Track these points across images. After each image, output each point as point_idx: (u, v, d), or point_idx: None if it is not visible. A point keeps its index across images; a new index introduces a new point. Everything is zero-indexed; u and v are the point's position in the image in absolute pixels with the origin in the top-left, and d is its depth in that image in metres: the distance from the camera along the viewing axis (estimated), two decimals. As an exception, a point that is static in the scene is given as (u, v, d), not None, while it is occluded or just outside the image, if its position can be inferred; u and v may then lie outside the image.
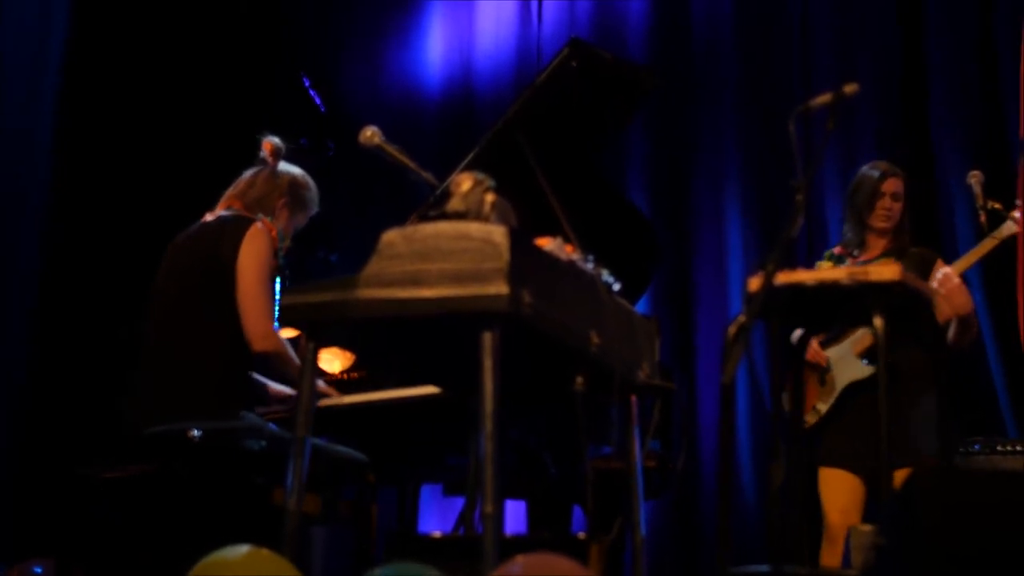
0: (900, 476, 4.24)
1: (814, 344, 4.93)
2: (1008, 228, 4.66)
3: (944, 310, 4.63)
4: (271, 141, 4.36)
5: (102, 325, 6.48)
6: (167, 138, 7.03)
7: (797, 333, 4.63)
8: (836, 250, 5.06)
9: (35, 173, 6.62)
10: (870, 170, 5.01)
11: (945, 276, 4.62)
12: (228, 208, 4.24)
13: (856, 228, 5.00)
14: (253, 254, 4.05)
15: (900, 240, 4.97)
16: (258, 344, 4.01)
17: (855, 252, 4.98)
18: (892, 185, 4.95)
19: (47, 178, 6.66)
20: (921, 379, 4.74)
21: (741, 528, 6.48)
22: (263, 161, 4.34)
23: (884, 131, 6.66)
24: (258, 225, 4.10)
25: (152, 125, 7.02)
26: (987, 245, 4.74)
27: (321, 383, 4.36)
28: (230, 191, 4.31)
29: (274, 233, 4.16)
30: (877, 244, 4.98)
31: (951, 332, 4.76)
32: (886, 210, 4.93)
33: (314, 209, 4.41)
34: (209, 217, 4.25)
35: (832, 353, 4.91)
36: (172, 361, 4.02)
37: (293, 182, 4.32)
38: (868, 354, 4.79)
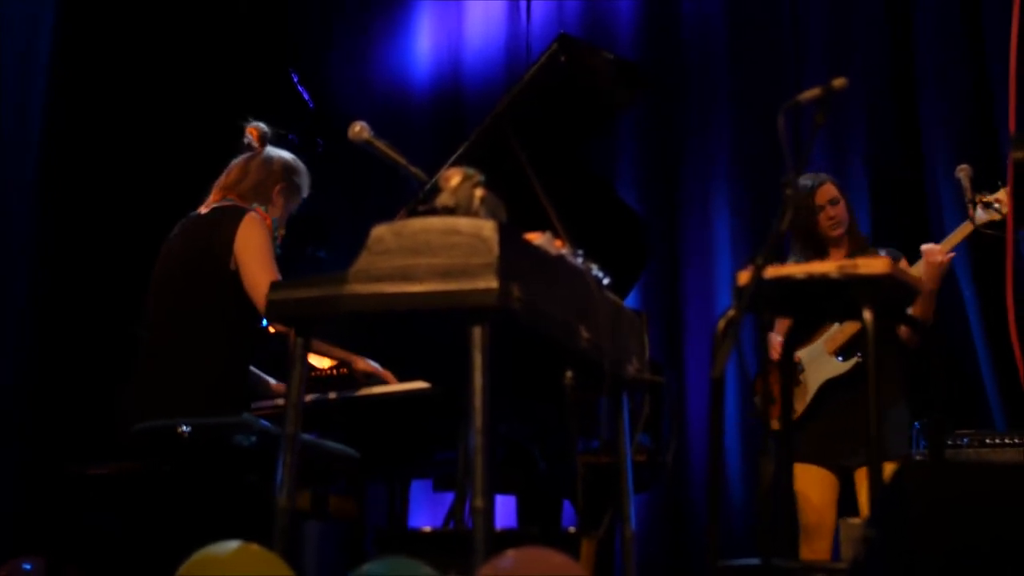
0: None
1: (776, 341, 4.93)
2: (986, 215, 4.65)
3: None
4: (256, 127, 4.35)
5: (94, 323, 6.47)
6: (157, 133, 7.02)
7: (777, 339, 4.64)
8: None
9: (26, 168, 6.60)
10: (802, 180, 4.95)
11: (930, 251, 4.64)
12: (223, 199, 4.23)
13: (812, 244, 4.95)
14: (252, 240, 4.03)
15: (858, 239, 4.97)
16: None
17: (823, 259, 4.96)
18: (826, 194, 4.92)
19: (38, 174, 6.64)
20: (896, 378, 4.76)
21: (730, 522, 6.50)
22: (249, 147, 4.33)
23: (874, 125, 6.68)
24: (252, 215, 4.10)
25: (142, 120, 7.01)
26: (964, 230, 4.71)
27: (375, 365, 4.31)
28: (221, 180, 4.29)
29: (268, 221, 4.16)
30: (839, 251, 4.94)
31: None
32: (830, 219, 4.91)
33: (307, 192, 4.41)
34: (203, 210, 4.23)
35: (804, 354, 4.92)
36: (166, 357, 4.01)
37: (287, 166, 4.32)
38: (843, 351, 4.81)
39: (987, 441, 5.20)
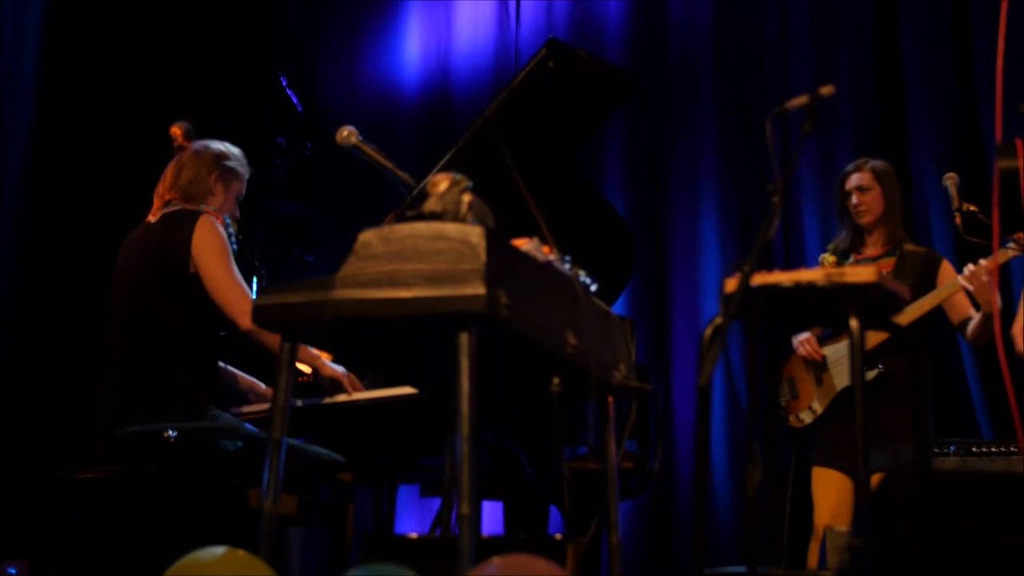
0: None
1: (812, 340, 4.93)
2: (1006, 253, 4.62)
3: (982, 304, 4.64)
4: (178, 125, 4.40)
5: (77, 324, 6.45)
6: (144, 135, 6.99)
7: (804, 335, 4.69)
8: (841, 244, 5.06)
9: (9, 170, 6.58)
10: (842, 173, 5.05)
11: (974, 272, 4.62)
12: (167, 204, 4.24)
13: (849, 228, 5.01)
14: (209, 243, 4.06)
15: (894, 230, 4.98)
16: (244, 322, 3.99)
17: (859, 248, 4.99)
18: (853, 181, 4.98)
19: (22, 175, 6.62)
20: (911, 385, 4.75)
21: (716, 529, 6.50)
22: (179, 148, 4.36)
23: (861, 134, 6.69)
24: (205, 217, 4.12)
25: (128, 120, 6.98)
26: (1008, 253, 4.65)
27: (341, 370, 4.32)
28: (160, 187, 4.31)
29: (221, 220, 4.17)
30: (873, 240, 4.99)
31: (972, 326, 4.77)
32: (854, 207, 4.95)
33: (247, 173, 4.42)
34: (152, 218, 4.25)
35: (830, 352, 4.91)
36: (139, 361, 4.03)
37: (218, 155, 4.33)
38: (866, 359, 4.75)
39: (973, 449, 5.21)
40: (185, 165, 4.29)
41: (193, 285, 4.04)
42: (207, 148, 4.33)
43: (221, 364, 4.34)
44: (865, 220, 4.95)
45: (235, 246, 4.20)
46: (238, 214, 4.39)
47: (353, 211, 7.43)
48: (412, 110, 7.92)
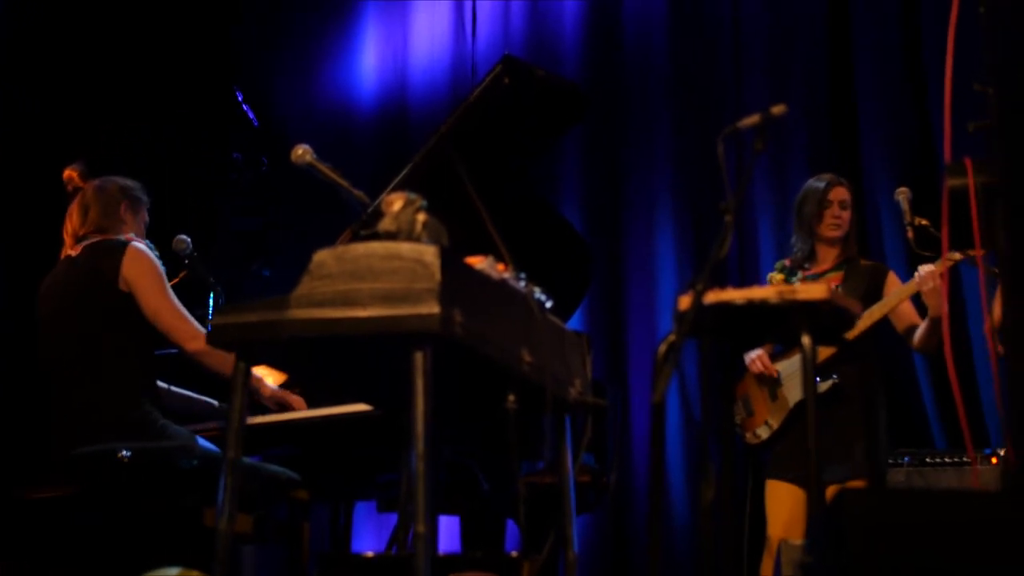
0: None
1: (764, 357, 4.94)
2: (953, 256, 4.63)
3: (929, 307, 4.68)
4: (73, 168, 4.46)
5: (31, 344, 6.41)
6: (98, 147, 6.96)
7: (756, 352, 4.71)
8: (787, 262, 5.07)
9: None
10: (816, 181, 5.03)
11: (927, 275, 4.63)
12: (83, 238, 4.26)
13: (806, 240, 5.01)
14: (144, 272, 4.11)
15: (849, 250, 5.00)
16: (190, 345, 4.08)
17: (806, 264, 5.00)
18: (839, 193, 4.97)
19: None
20: (863, 395, 4.77)
21: (673, 543, 6.51)
22: (76, 190, 4.39)
23: (814, 149, 6.72)
24: (134, 246, 4.16)
25: (86, 139, 6.95)
26: (954, 257, 4.65)
27: (279, 391, 4.35)
28: (69, 227, 4.34)
29: (145, 245, 4.20)
30: (827, 256, 5.00)
31: (919, 333, 4.81)
32: (835, 218, 4.95)
33: (147, 201, 4.45)
34: (72, 252, 4.26)
35: (783, 367, 4.92)
36: (85, 383, 4.06)
37: (121, 186, 4.38)
38: (820, 371, 4.79)
39: (927, 460, 5.23)
40: (91, 202, 4.32)
41: (125, 306, 4.09)
42: (110, 181, 4.38)
43: (164, 386, 4.35)
44: (837, 234, 4.96)
45: (161, 266, 4.23)
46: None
47: (311, 225, 7.42)
48: (369, 123, 7.90)
